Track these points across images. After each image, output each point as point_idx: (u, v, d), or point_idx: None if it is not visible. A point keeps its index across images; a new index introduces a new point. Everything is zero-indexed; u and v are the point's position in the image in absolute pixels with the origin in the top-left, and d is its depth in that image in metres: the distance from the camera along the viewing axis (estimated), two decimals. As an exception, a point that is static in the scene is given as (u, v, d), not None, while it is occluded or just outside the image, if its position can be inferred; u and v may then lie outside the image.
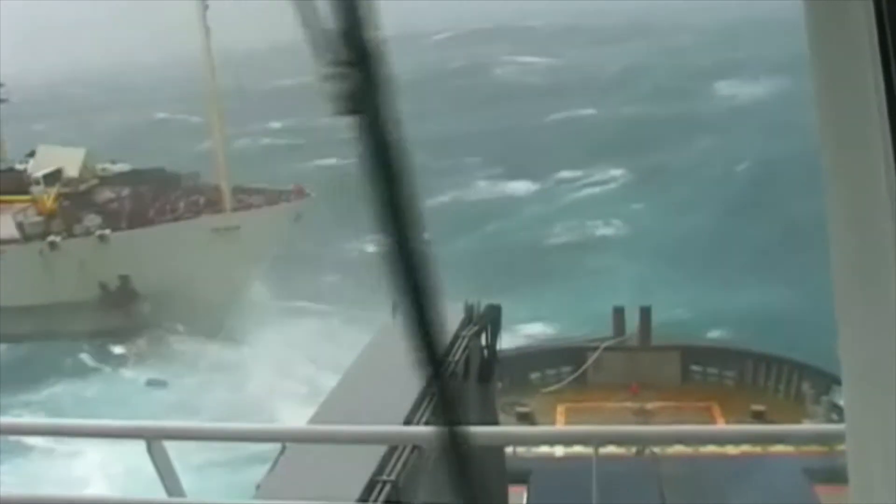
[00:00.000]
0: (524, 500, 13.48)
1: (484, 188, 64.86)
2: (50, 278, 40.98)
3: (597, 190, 62.36)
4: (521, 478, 12.97)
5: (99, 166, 45.87)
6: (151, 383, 38.42)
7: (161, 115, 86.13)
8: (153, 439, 4.76)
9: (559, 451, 16.12)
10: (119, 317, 41.81)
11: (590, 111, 79.84)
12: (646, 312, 18.89)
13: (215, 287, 39.67)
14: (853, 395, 1.92)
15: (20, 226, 42.60)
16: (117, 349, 41.89)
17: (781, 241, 43.56)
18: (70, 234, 42.31)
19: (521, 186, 63.78)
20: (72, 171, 44.68)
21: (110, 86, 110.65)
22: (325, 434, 5.26)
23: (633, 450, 13.43)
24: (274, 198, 42.12)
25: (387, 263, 1.51)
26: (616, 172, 64.09)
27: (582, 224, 56.08)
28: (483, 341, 15.07)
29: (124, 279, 41.67)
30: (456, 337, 13.78)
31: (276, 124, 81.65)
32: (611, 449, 11.61)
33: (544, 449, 13.96)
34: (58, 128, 57.48)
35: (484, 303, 15.11)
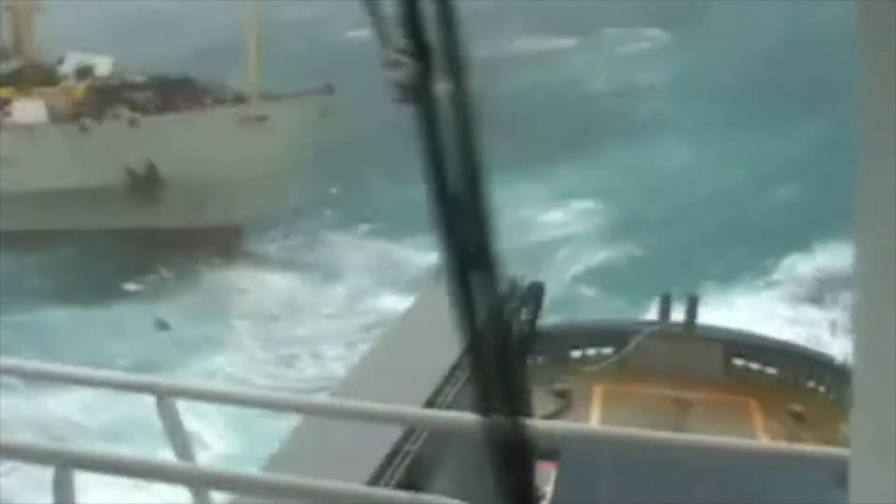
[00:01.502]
0: (553, 477, 13.45)
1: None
2: (78, 161, 40.95)
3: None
4: (551, 454, 12.94)
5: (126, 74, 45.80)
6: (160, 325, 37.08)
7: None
8: (165, 396, 4.69)
9: (594, 423, 16.08)
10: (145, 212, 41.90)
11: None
12: (693, 300, 18.69)
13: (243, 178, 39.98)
14: (861, 417, 1.86)
15: (51, 109, 42.77)
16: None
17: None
18: (100, 119, 42.47)
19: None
20: (102, 70, 45.13)
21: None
22: (344, 410, 5.22)
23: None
24: (301, 93, 41.47)
25: (443, 246, 1.55)
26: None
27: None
28: (524, 316, 15.09)
29: (151, 166, 41.74)
30: None
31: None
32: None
33: (577, 424, 13.89)
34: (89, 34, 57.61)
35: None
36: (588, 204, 46.23)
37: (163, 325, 36.27)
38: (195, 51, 54.45)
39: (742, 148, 47.42)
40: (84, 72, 44.83)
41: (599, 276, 40.32)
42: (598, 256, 42.43)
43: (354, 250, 43.81)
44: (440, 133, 1.51)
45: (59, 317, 36.11)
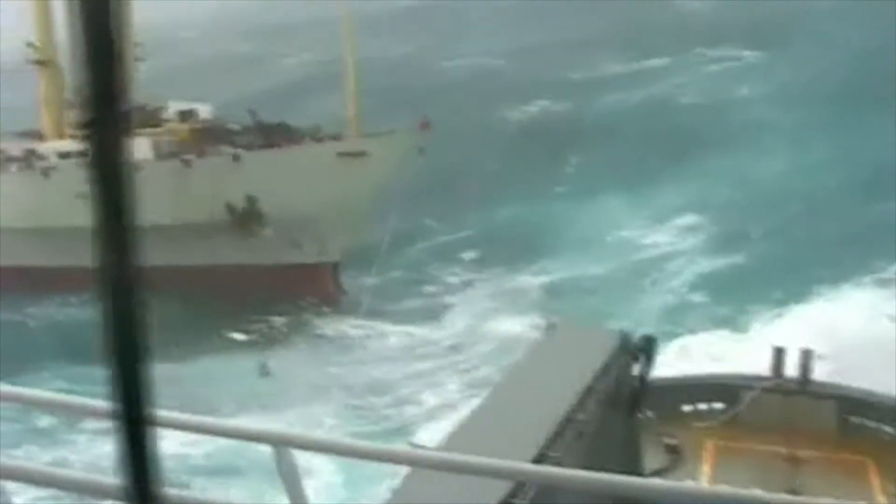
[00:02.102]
0: None
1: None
2: (180, 197, 41.41)
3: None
4: None
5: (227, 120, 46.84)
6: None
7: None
8: (281, 445, 4.83)
9: (705, 479, 15.71)
10: (243, 248, 42.11)
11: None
12: (807, 354, 18.20)
13: (339, 213, 40.20)
14: None
15: (156, 148, 43.54)
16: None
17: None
18: (203, 156, 43.09)
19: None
20: (204, 113, 46.20)
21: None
22: (453, 464, 5.19)
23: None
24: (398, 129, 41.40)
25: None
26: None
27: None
28: (635, 371, 14.87)
29: (251, 200, 42.04)
30: (609, 364, 13.64)
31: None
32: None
33: (687, 484, 13.54)
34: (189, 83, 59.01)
35: (641, 333, 14.96)
36: (690, 219, 46.43)
37: (265, 371, 35.79)
38: (287, 86, 55.48)
39: (838, 153, 47.79)
40: (186, 115, 46.02)
41: (707, 285, 40.45)
42: (705, 266, 42.57)
43: (461, 279, 43.97)
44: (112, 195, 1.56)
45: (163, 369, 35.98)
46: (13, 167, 46.87)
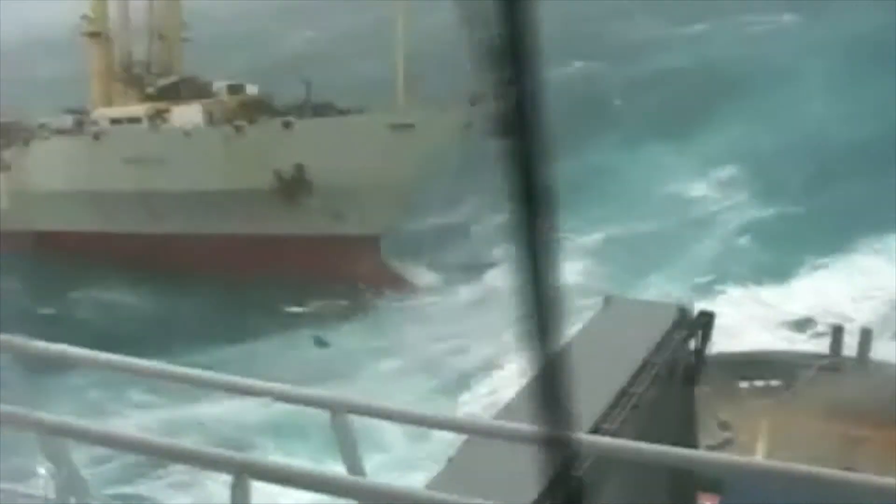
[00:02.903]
0: None
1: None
2: (230, 163, 41.39)
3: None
4: (715, 487, 12.49)
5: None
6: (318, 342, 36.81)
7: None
8: (339, 411, 4.67)
9: (759, 455, 15.52)
10: (287, 217, 41.80)
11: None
12: (866, 333, 17.90)
13: (385, 186, 39.90)
14: None
15: (208, 115, 43.63)
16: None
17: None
18: (254, 122, 42.83)
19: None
20: (252, 90, 46.11)
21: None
22: (508, 431, 5.13)
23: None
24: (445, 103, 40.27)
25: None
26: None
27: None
28: (692, 345, 14.66)
29: (299, 168, 41.59)
30: (665, 339, 13.47)
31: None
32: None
33: (742, 457, 13.38)
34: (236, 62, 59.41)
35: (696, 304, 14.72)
36: (731, 170, 47.18)
37: (321, 343, 36.26)
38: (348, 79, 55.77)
39: (878, 103, 47.26)
40: (235, 88, 45.98)
41: (755, 233, 41.23)
42: (750, 215, 43.33)
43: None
44: (530, 162, 1.65)
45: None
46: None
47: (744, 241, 40.97)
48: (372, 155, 39.54)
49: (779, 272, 36.23)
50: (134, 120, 44.70)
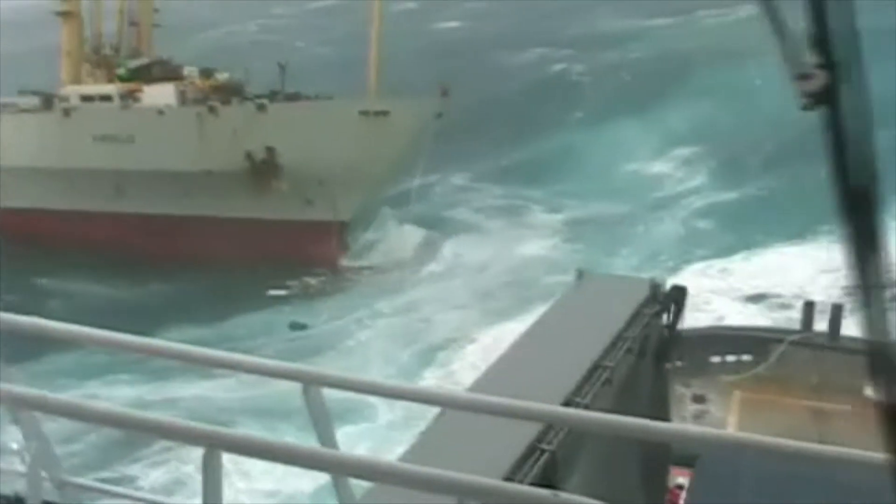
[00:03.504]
0: (687, 484, 13.13)
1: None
2: (202, 144, 41.27)
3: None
4: (687, 461, 12.60)
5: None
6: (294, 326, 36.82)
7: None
8: (310, 384, 4.71)
9: (731, 429, 15.62)
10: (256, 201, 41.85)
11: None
12: (837, 308, 18.07)
13: (356, 172, 40.07)
14: None
15: (181, 94, 43.51)
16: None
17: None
18: (228, 103, 42.73)
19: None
20: (221, 77, 45.77)
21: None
22: (483, 404, 5.12)
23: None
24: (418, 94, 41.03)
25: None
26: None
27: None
28: (664, 320, 14.74)
29: (270, 151, 41.48)
30: (637, 314, 13.52)
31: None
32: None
33: (716, 430, 13.51)
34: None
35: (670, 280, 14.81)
36: (693, 149, 48.62)
37: (298, 326, 36.43)
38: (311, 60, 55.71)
39: None
40: (207, 72, 45.72)
41: (712, 215, 42.12)
42: (710, 196, 44.37)
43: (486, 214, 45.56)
44: (845, 133, 1.73)
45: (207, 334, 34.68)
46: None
47: (701, 222, 41.88)
48: (344, 141, 39.54)
49: (740, 248, 37.23)
50: (105, 98, 44.27)
